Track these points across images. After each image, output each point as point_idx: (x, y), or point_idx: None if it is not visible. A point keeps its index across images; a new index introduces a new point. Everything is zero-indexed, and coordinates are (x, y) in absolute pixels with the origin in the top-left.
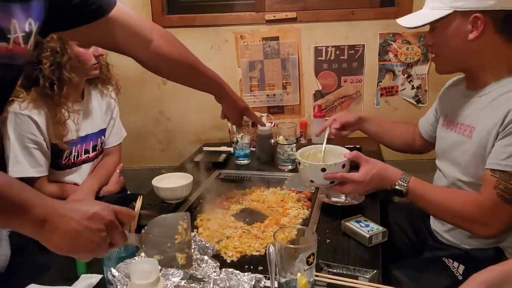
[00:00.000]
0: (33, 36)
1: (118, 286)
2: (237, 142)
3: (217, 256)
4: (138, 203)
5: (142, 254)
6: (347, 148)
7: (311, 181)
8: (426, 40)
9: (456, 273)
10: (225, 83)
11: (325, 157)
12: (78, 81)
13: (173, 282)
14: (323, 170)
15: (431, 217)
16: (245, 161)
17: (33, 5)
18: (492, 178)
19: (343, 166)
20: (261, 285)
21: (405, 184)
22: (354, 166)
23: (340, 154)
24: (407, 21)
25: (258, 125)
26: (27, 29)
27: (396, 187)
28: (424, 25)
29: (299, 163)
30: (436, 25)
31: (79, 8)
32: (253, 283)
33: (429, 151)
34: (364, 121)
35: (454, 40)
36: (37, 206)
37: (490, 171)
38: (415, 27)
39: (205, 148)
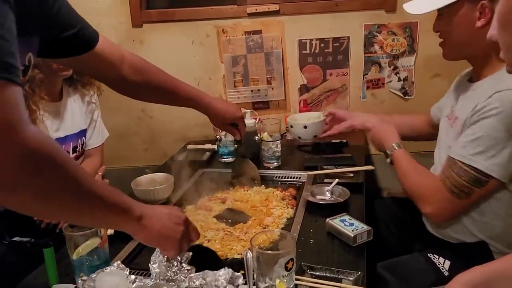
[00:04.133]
0: (30, 69)
1: None
2: (220, 140)
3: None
4: None
5: (114, 264)
6: (333, 142)
7: (299, 138)
8: (434, 26)
9: (442, 269)
10: (205, 98)
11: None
12: (48, 81)
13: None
14: (305, 127)
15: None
16: (230, 159)
17: (33, 40)
18: (447, 168)
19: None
20: (238, 282)
21: (395, 149)
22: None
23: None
24: (415, 7)
25: None
26: (26, 63)
27: (387, 151)
28: (432, 11)
29: (291, 126)
30: (443, 11)
31: (71, 41)
32: (229, 276)
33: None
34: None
35: (462, 27)
36: (135, 207)
37: (448, 158)
38: (422, 14)
39: (189, 147)
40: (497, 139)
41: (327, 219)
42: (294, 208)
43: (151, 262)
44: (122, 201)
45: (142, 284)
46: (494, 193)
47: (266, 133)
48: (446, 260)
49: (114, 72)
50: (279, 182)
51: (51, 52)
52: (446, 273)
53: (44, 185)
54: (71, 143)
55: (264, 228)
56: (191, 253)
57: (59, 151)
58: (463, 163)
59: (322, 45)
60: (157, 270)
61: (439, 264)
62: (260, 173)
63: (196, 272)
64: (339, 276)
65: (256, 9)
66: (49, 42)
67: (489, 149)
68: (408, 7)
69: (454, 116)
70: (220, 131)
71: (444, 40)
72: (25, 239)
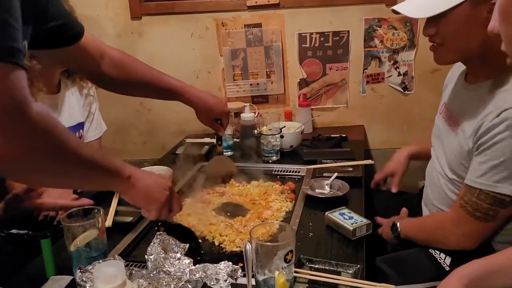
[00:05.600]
0: (25, 57)
1: (87, 287)
2: None
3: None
4: (115, 200)
5: (111, 255)
6: (332, 136)
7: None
8: (427, 30)
9: (443, 264)
10: (192, 91)
11: None
12: (46, 72)
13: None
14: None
15: (422, 202)
16: (229, 153)
17: (28, 29)
18: (465, 193)
19: None
20: (237, 275)
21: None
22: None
23: None
24: (411, 9)
25: (241, 115)
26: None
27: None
28: (437, 14)
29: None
30: (444, 13)
31: (57, 32)
32: (229, 270)
33: None
34: (414, 157)
35: (468, 29)
36: (125, 168)
37: (466, 186)
38: (425, 17)
39: (188, 140)
40: None
41: (326, 213)
42: (293, 201)
43: (148, 254)
44: (114, 164)
45: (139, 275)
46: None
47: (265, 127)
48: (447, 256)
49: (95, 66)
50: (278, 176)
51: (36, 42)
52: (447, 268)
53: (48, 156)
54: None
55: (263, 221)
56: (188, 245)
57: (58, 125)
58: (488, 190)
59: (322, 39)
60: (154, 261)
61: (440, 260)
62: (259, 167)
63: (194, 264)
64: (338, 269)
65: (256, 2)
66: (36, 32)
67: None
68: (404, 10)
69: (451, 117)
70: None
71: (441, 44)
72: (22, 232)
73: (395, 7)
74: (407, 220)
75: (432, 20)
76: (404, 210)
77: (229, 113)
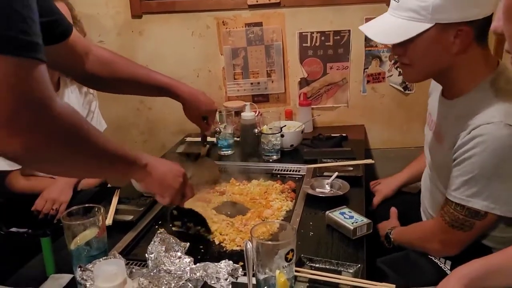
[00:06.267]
0: None
1: (88, 285)
2: (220, 132)
3: (192, 252)
4: (115, 197)
5: (111, 254)
6: (333, 136)
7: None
8: (395, 50)
9: (444, 268)
10: (181, 87)
11: None
12: None
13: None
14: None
15: (421, 207)
16: (229, 152)
17: None
18: (445, 204)
19: None
20: (238, 274)
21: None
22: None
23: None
24: (377, 32)
25: (242, 114)
26: None
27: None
28: (403, 41)
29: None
30: (412, 38)
31: (47, 28)
32: (230, 269)
33: None
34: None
35: (435, 53)
36: (142, 156)
37: (445, 198)
38: (392, 44)
39: (188, 139)
40: (487, 176)
41: (327, 212)
42: (294, 201)
43: (148, 252)
44: (132, 154)
45: (139, 274)
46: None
47: (265, 126)
48: (447, 260)
49: (81, 65)
50: (278, 175)
51: None
52: (449, 272)
53: (72, 150)
54: None
55: (263, 220)
56: (188, 244)
57: (82, 120)
58: (462, 204)
59: (322, 38)
60: (154, 260)
61: (440, 264)
62: (259, 166)
63: (195, 263)
64: (339, 268)
65: (256, 1)
66: None
67: (483, 188)
68: (371, 34)
69: (435, 130)
70: (219, 123)
71: (408, 65)
72: (22, 230)
73: (361, 27)
74: (398, 230)
75: (400, 44)
76: (393, 210)
77: (216, 112)
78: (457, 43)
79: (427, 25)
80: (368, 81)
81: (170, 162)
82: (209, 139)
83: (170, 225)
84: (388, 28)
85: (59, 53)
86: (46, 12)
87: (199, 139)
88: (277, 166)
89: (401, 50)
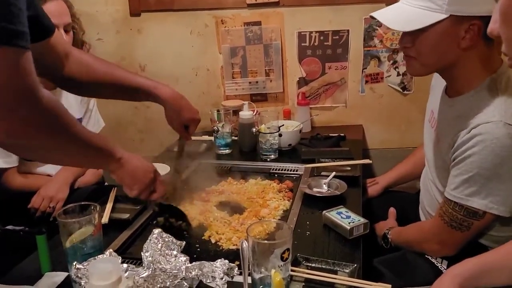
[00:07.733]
0: None
1: (83, 283)
2: (218, 131)
3: (188, 250)
4: (112, 196)
5: (107, 252)
6: (331, 136)
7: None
8: (403, 41)
9: (441, 267)
10: (166, 90)
11: None
12: None
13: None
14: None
15: (419, 206)
16: (227, 151)
17: None
18: (444, 204)
19: None
20: (234, 273)
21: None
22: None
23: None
24: (391, 19)
25: (240, 113)
26: None
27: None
28: (416, 30)
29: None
30: (425, 28)
31: (31, 24)
32: (225, 268)
33: None
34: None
35: (444, 46)
36: (117, 149)
37: (444, 197)
38: (403, 32)
39: None
40: (486, 175)
41: (324, 211)
42: (291, 200)
43: (144, 251)
44: (108, 146)
45: (135, 272)
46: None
47: (263, 125)
48: (444, 260)
49: (61, 67)
50: (276, 175)
51: None
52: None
53: (55, 137)
54: None
55: (260, 219)
56: (184, 242)
57: (64, 110)
58: (461, 203)
59: (321, 38)
60: (150, 258)
61: (437, 263)
62: (257, 165)
63: (191, 262)
64: (335, 268)
65: (255, 0)
66: None
67: (482, 188)
68: (382, 17)
69: (437, 127)
70: (218, 122)
71: (415, 57)
72: (18, 228)
73: (374, 14)
74: (395, 230)
75: (411, 33)
76: (391, 211)
77: (199, 123)
78: (466, 38)
79: (442, 16)
80: (366, 81)
81: (144, 159)
82: (207, 138)
83: (154, 222)
84: (401, 15)
85: (39, 52)
86: (29, 6)
87: (197, 137)
88: (274, 166)
89: (410, 40)
